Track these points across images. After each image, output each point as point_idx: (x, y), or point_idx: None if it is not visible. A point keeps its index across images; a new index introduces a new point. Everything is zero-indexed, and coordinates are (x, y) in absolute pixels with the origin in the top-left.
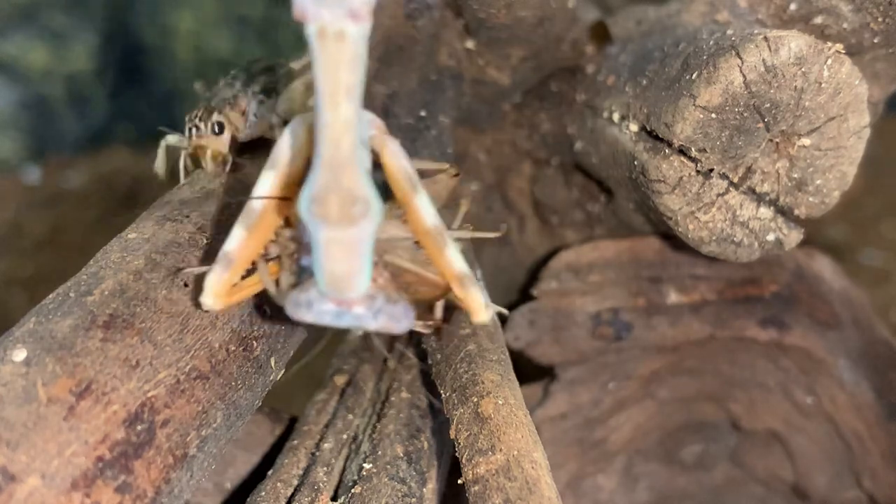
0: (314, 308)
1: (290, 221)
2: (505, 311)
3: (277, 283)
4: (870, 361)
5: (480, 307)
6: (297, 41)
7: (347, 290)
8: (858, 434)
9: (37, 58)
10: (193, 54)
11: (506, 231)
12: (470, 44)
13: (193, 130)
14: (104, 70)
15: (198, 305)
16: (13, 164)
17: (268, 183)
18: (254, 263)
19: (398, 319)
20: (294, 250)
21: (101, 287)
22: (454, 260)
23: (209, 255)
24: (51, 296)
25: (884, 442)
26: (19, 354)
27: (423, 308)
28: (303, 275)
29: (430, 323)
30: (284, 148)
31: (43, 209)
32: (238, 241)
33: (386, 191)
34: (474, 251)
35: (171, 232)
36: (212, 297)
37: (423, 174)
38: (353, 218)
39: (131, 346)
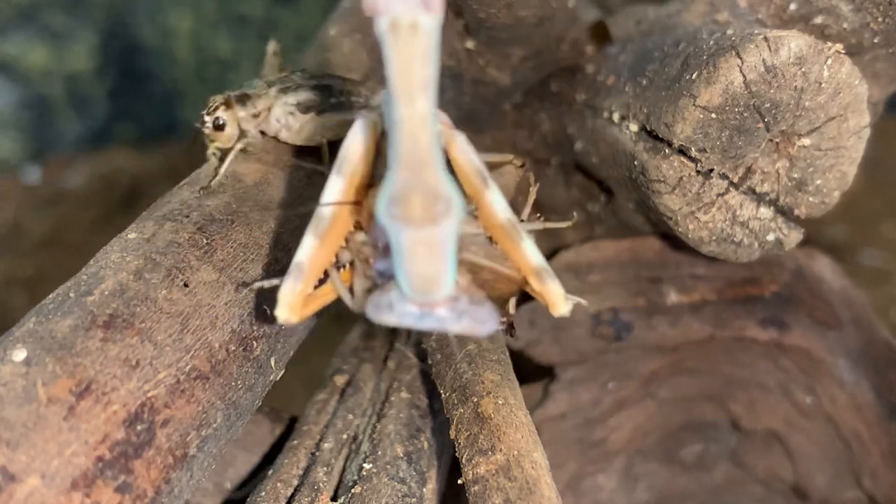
0: (396, 310)
1: (361, 226)
2: (584, 301)
3: (351, 290)
4: (870, 361)
5: (560, 300)
6: (297, 41)
7: (432, 291)
8: (858, 434)
9: (37, 58)
10: (193, 54)
11: (575, 220)
12: (470, 44)
13: (200, 121)
14: (104, 70)
15: (273, 319)
16: (13, 164)
17: (336, 188)
18: (326, 272)
19: (482, 322)
20: (368, 255)
21: (101, 287)
22: (530, 253)
23: (209, 255)
24: (51, 296)
25: (884, 442)
26: (19, 354)
27: (498, 304)
28: (378, 279)
29: (504, 319)
30: (353, 151)
31: (43, 209)
32: (309, 250)
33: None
34: None
35: (171, 232)
36: (287, 310)
37: (489, 167)
38: (437, 217)
39: (131, 346)
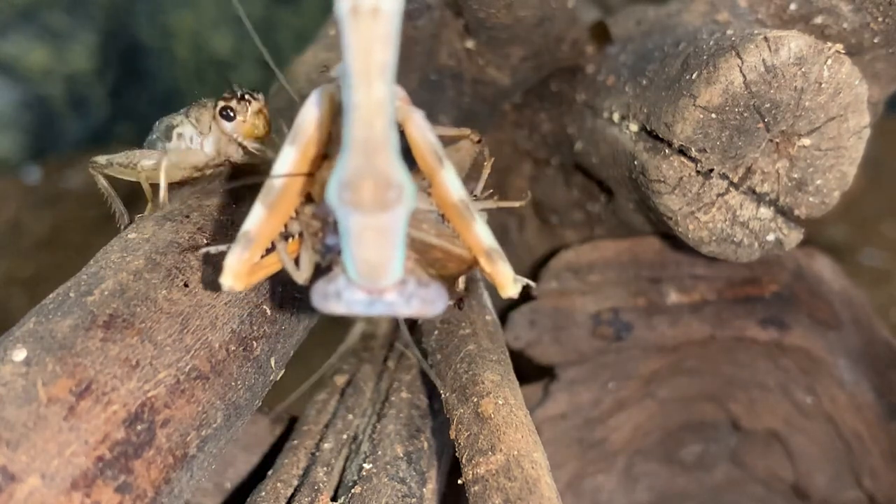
0: (344, 298)
1: (312, 197)
2: (532, 283)
3: (297, 261)
4: (870, 361)
5: (509, 282)
6: (297, 41)
7: (381, 278)
8: (858, 434)
9: (37, 58)
10: (193, 54)
11: (528, 200)
12: (470, 44)
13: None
14: (104, 70)
15: (217, 287)
16: (13, 164)
17: (289, 158)
18: (273, 243)
19: (432, 302)
20: (318, 229)
21: (101, 287)
22: (482, 234)
23: (209, 255)
24: (51, 296)
25: (884, 442)
26: (19, 354)
27: (448, 283)
28: (327, 254)
29: (453, 297)
30: (307, 122)
31: (43, 209)
32: (258, 220)
33: (407, 161)
34: None
35: (171, 232)
36: (231, 278)
37: (444, 141)
38: (388, 204)
39: (131, 346)
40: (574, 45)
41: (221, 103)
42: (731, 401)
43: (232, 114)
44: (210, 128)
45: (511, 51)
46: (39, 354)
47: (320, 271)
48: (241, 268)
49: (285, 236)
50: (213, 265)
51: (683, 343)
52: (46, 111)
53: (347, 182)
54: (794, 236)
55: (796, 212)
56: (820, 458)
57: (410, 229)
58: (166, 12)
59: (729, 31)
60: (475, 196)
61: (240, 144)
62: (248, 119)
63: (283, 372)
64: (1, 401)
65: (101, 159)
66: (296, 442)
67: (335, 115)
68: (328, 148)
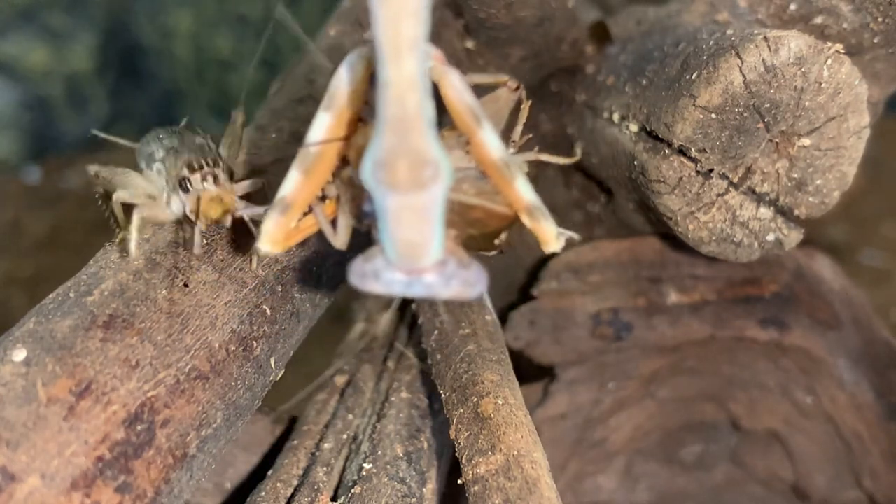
0: (382, 278)
1: (349, 161)
2: (576, 235)
3: (334, 224)
4: (870, 361)
5: (552, 237)
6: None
7: (419, 259)
8: (858, 434)
9: (37, 58)
10: (193, 54)
11: (577, 158)
12: (470, 44)
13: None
14: (104, 70)
15: (216, 287)
16: (13, 164)
17: (323, 124)
18: (310, 207)
19: (472, 284)
20: (355, 195)
21: (101, 287)
22: (523, 191)
23: (209, 255)
24: (51, 296)
25: (884, 442)
26: (19, 354)
27: (489, 239)
28: (365, 219)
29: (494, 251)
30: (342, 86)
31: (43, 209)
32: (294, 186)
33: (441, 116)
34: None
35: (170, 232)
36: (269, 243)
37: (479, 90)
38: (424, 182)
39: (131, 347)
40: (574, 46)
41: (184, 171)
42: (731, 401)
43: (188, 186)
44: (174, 186)
45: (511, 51)
46: (39, 354)
47: (357, 241)
48: (278, 233)
49: (322, 198)
50: (212, 264)
51: (683, 343)
52: (46, 111)
53: (382, 161)
54: (793, 236)
55: (796, 212)
56: (820, 458)
57: (451, 191)
58: (166, 12)
59: (729, 32)
60: (513, 142)
61: (188, 220)
62: (203, 201)
63: (282, 372)
64: (1, 401)
65: (92, 168)
66: (296, 442)
67: (371, 78)
68: (364, 111)
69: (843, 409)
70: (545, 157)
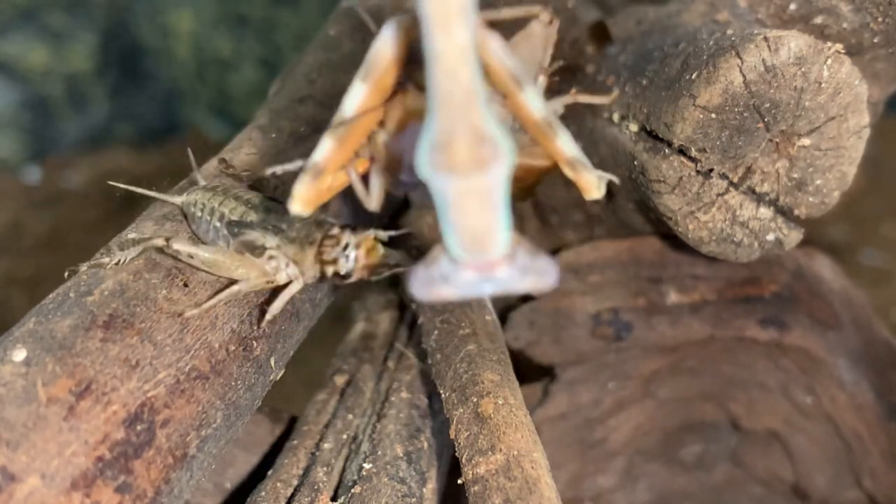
0: (452, 280)
1: (385, 124)
2: (615, 178)
3: (366, 183)
4: (870, 361)
5: (594, 186)
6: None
7: (488, 249)
8: (858, 434)
9: (37, 58)
10: (193, 54)
11: (616, 96)
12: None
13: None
14: (104, 70)
15: (214, 288)
16: (13, 164)
17: (359, 94)
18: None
19: (545, 274)
20: (389, 161)
21: (100, 287)
22: (565, 146)
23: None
24: (51, 296)
25: (884, 442)
26: (19, 354)
27: (531, 184)
28: (402, 188)
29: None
30: (380, 57)
31: (43, 209)
32: (327, 152)
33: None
34: None
35: (171, 232)
36: (301, 205)
37: (510, 24)
38: (485, 162)
39: (131, 346)
40: (574, 45)
41: (331, 252)
42: (731, 401)
43: (348, 257)
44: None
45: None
46: (39, 354)
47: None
48: (309, 195)
49: (356, 155)
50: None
51: (683, 343)
52: (46, 111)
53: (438, 143)
54: (793, 236)
55: (796, 212)
56: (820, 458)
57: None
58: (166, 12)
59: (729, 31)
60: (544, 68)
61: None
62: (361, 259)
63: (283, 372)
64: (1, 401)
65: (184, 250)
66: (296, 442)
67: (409, 47)
68: (402, 78)
69: (843, 409)
70: (583, 98)
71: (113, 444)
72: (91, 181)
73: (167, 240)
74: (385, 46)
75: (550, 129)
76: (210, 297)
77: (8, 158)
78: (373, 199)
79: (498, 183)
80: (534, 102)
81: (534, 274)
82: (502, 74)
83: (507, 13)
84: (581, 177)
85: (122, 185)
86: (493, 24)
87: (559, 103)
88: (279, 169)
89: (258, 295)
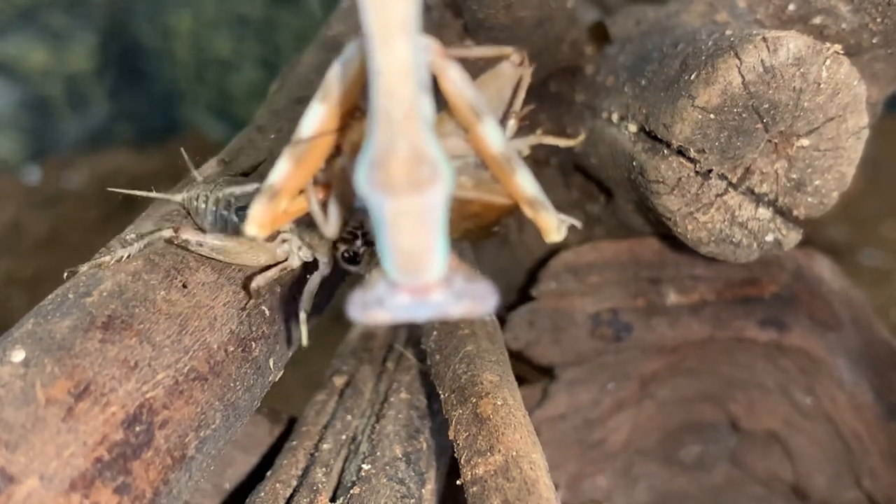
0: (386, 304)
1: (343, 150)
2: (577, 222)
3: (325, 209)
4: (869, 362)
5: (553, 228)
6: (297, 42)
7: (423, 271)
8: (858, 434)
9: (37, 58)
10: (193, 54)
11: (581, 140)
12: (469, 44)
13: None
14: (104, 70)
15: (215, 288)
16: (13, 164)
17: (317, 115)
18: (302, 191)
19: (482, 299)
20: (346, 188)
21: (99, 288)
22: (524, 184)
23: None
24: (50, 296)
25: (883, 442)
26: (18, 355)
27: (488, 227)
28: (355, 213)
29: (490, 238)
30: (336, 78)
31: (43, 209)
32: (284, 174)
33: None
34: (474, 250)
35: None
36: (256, 228)
37: (481, 63)
38: (422, 183)
39: (130, 348)
40: (573, 46)
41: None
42: (730, 401)
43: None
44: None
45: None
46: (38, 355)
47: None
48: (265, 218)
49: (314, 182)
50: (211, 265)
51: (683, 344)
52: (46, 111)
53: (376, 160)
54: (792, 237)
55: (795, 212)
56: (819, 458)
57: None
58: (166, 13)
59: (728, 32)
60: (514, 112)
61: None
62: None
63: (281, 373)
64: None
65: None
66: (295, 443)
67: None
68: (362, 104)
69: (842, 409)
70: (548, 140)
71: (112, 445)
72: (91, 181)
73: (176, 230)
74: (343, 68)
75: (509, 165)
76: (209, 298)
77: (8, 158)
78: (330, 226)
79: (435, 205)
80: (493, 136)
81: (470, 299)
82: (461, 104)
83: (477, 51)
84: (540, 217)
85: (121, 191)
86: (463, 63)
87: (524, 143)
88: (237, 190)
89: (257, 296)
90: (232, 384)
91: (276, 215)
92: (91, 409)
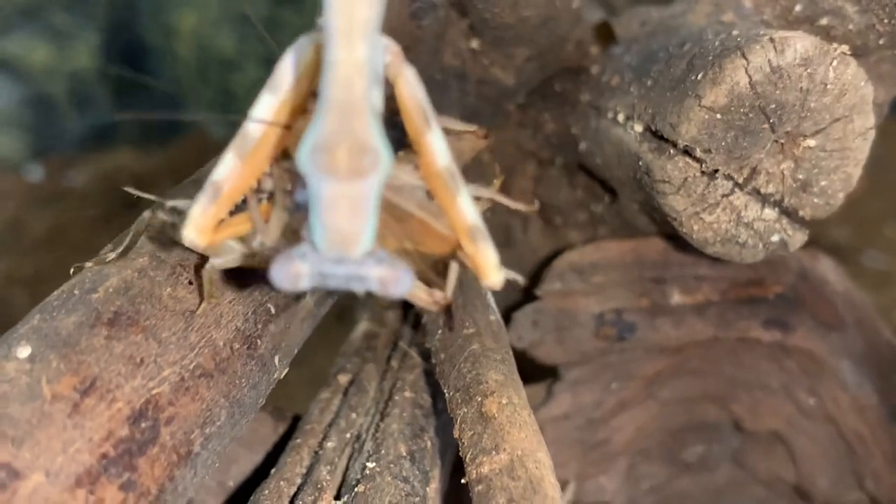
0: (307, 271)
1: (289, 153)
2: (520, 277)
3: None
4: (873, 363)
5: (492, 267)
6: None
7: (350, 248)
8: (861, 436)
9: (39, 56)
10: (196, 53)
11: (536, 208)
12: (475, 43)
13: None
14: (107, 69)
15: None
16: (15, 163)
17: (266, 107)
18: (244, 198)
19: (398, 280)
20: (289, 184)
21: (105, 284)
22: (466, 209)
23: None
24: (55, 293)
25: (886, 444)
26: (24, 351)
27: (429, 272)
28: (296, 212)
29: (435, 301)
30: (287, 70)
31: (45, 208)
32: (228, 170)
33: (401, 138)
34: None
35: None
36: (194, 232)
37: (450, 133)
38: (363, 170)
39: (136, 344)
40: (578, 46)
41: None
42: (733, 402)
43: None
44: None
45: (515, 51)
46: (44, 351)
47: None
48: (206, 222)
49: (259, 197)
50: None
51: (687, 344)
52: (49, 110)
53: (322, 145)
54: (798, 237)
55: (801, 213)
56: (822, 459)
57: (390, 193)
58: (169, 11)
59: (734, 32)
60: (477, 199)
61: None
62: None
63: (287, 370)
64: (5, 398)
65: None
66: (299, 441)
67: (319, 67)
68: (309, 102)
69: (845, 410)
70: (501, 199)
71: (117, 441)
72: (93, 180)
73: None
74: (295, 60)
75: (452, 182)
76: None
77: (10, 157)
78: (271, 234)
79: (371, 190)
80: (440, 148)
81: (387, 277)
82: (413, 108)
83: (446, 122)
84: (478, 250)
85: (136, 192)
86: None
87: (483, 192)
88: (180, 204)
89: (263, 293)
90: (237, 381)
91: (218, 222)
92: (97, 406)
